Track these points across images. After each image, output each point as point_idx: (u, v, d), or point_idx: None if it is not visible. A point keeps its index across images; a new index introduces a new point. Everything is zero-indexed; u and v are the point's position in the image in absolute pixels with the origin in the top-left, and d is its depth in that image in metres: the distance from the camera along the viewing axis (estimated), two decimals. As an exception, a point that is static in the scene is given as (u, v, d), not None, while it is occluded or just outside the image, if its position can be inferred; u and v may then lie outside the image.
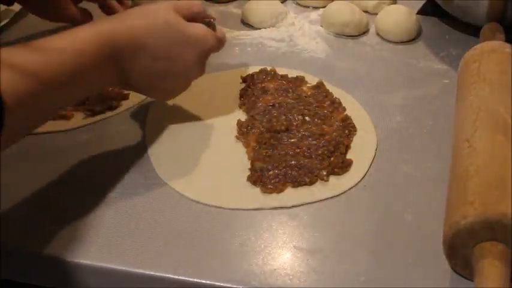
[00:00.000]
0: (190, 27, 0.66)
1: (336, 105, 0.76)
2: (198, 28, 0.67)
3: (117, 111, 0.77)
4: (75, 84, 0.58)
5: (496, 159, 0.56)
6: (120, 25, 0.62)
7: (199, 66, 0.69)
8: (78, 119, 0.75)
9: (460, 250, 0.53)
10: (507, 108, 0.62)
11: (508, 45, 0.74)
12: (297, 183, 0.65)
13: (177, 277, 0.56)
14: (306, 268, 0.57)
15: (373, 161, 0.69)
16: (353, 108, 0.76)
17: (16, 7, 0.97)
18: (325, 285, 0.55)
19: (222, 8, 1.03)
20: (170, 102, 0.78)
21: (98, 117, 0.75)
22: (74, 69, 0.57)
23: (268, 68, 0.82)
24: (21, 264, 0.59)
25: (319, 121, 0.73)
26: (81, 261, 0.58)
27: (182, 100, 0.79)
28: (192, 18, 0.68)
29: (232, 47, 0.91)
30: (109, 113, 0.76)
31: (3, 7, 0.96)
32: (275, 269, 0.56)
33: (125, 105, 0.78)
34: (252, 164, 0.67)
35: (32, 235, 0.60)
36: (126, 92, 0.79)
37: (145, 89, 0.68)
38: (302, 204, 0.63)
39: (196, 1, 0.71)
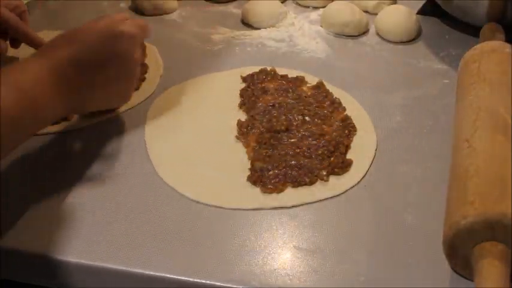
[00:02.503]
0: (114, 26, 0.67)
1: (336, 105, 0.76)
2: (121, 23, 0.68)
3: (117, 112, 0.77)
4: (28, 118, 0.59)
5: (496, 159, 0.56)
6: (59, 54, 0.64)
7: (136, 54, 0.70)
8: (78, 119, 0.75)
9: (460, 250, 0.53)
10: (507, 108, 0.62)
11: (508, 45, 0.74)
12: (297, 183, 0.65)
13: (177, 277, 0.56)
14: (306, 268, 0.57)
15: (373, 161, 0.69)
16: (353, 108, 0.76)
17: (16, 7, 0.97)
18: (325, 285, 0.55)
19: (222, 8, 1.03)
20: (170, 102, 0.79)
21: (98, 118, 0.75)
22: (28, 105, 0.58)
23: (268, 68, 0.82)
24: (21, 264, 0.59)
25: (319, 121, 0.73)
26: (81, 261, 0.58)
27: (182, 100, 0.79)
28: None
29: (232, 47, 0.91)
30: (109, 114, 0.76)
31: (3, 7, 0.96)
32: (275, 269, 0.56)
33: (125, 106, 0.78)
34: (252, 164, 0.67)
35: (32, 235, 0.60)
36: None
37: (104, 101, 0.71)
38: (302, 204, 0.63)
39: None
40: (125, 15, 0.71)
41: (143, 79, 0.82)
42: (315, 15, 0.99)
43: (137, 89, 0.81)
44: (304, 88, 0.80)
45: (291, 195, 0.64)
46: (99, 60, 0.66)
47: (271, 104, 0.75)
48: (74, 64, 0.63)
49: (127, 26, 0.68)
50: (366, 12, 0.98)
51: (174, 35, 0.95)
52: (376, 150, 0.70)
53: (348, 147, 0.70)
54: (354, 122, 0.73)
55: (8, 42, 0.82)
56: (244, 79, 0.82)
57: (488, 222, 0.51)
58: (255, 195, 0.64)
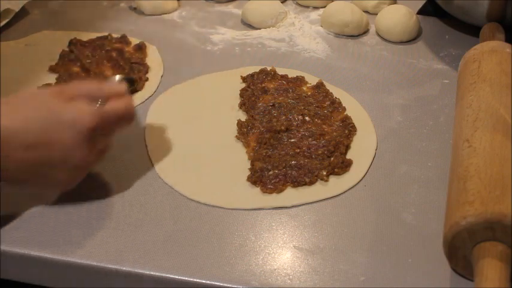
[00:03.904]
0: (66, 109, 0.58)
1: (336, 105, 0.76)
2: (75, 108, 0.58)
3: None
4: None
5: (496, 159, 0.56)
6: None
7: (80, 149, 0.58)
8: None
9: (460, 250, 0.53)
10: (507, 108, 0.62)
11: (508, 45, 0.74)
12: (297, 183, 0.65)
13: (177, 277, 0.56)
14: (306, 268, 0.57)
15: (373, 161, 0.69)
16: (353, 108, 0.76)
17: (16, 7, 0.98)
18: (325, 285, 0.55)
19: (222, 8, 1.03)
20: (170, 102, 0.79)
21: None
22: None
23: (268, 68, 0.82)
24: (21, 264, 0.59)
25: (319, 121, 0.73)
26: (80, 261, 0.58)
27: (182, 100, 0.79)
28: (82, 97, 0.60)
29: (232, 47, 0.91)
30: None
31: (3, 7, 0.96)
32: (275, 269, 0.56)
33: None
34: (252, 164, 0.67)
35: (32, 235, 0.60)
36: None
37: (27, 181, 0.59)
38: (302, 204, 0.63)
39: (88, 83, 0.63)
40: (115, 90, 0.61)
41: (146, 79, 0.83)
42: (315, 15, 0.99)
43: (140, 89, 0.81)
44: (304, 88, 0.80)
45: (291, 195, 0.64)
46: (33, 143, 0.56)
47: (271, 104, 0.75)
48: (6, 138, 0.55)
49: (89, 118, 0.58)
50: (366, 12, 0.98)
51: (174, 35, 0.95)
52: (376, 150, 0.70)
53: (348, 147, 0.70)
54: (354, 122, 0.73)
55: None
56: (244, 79, 0.82)
57: (488, 222, 0.51)
58: (255, 195, 0.64)
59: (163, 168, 0.68)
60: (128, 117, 0.62)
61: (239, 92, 0.79)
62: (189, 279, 0.56)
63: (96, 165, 0.64)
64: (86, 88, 0.61)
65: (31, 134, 0.56)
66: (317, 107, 0.75)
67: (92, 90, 0.61)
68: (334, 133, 0.71)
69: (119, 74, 0.83)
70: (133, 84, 0.79)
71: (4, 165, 0.56)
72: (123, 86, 0.64)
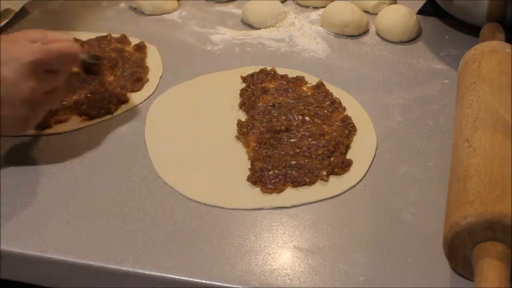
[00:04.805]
0: (9, 48, 0.61)
1: (336, 105, 0.76)
2: (17, 46, 0.62)
3: (116, 113, 0.77)
4: None
5: (496, 159, 0.56)
6: None
7: (24, 82, 0.61)
8: (77, 121, 0.75)
9: (460, 250, 0.53)
10: (507, 108, 0.62)
11: (508, 45, 0.74)
12: (297, 183, 0.65)
13: (177, 277, 0.56)
14: (306, 268, 0.57)
15: (373, 161, 0.69)
16: (353, 108, 0.76)
17: (16, 7, 0.98)
18: (325, 285, 0.55)
19: (222, 8, 1.03)
20: (170, 103, 0.79)
21: (98, 119, 0.75)
22: None
23: (268, 68, 0.82)
24: (21, 264, 0.59)
25: (319, 121, 0.73)
26: (81, 261, 0.58)
27: (182, 100, 0.79)
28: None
29: (232, 47, 0.91)
30: (108, 116, 0.76)
31: (3, 7, 0.96)
32: (275, 269, 0.56)
33: (124, 107, 0.78)
34: (252, 164, 0.67)
35: (32, 235, 0.60)
36: (126, 95, 0.79)
37: None
38: (302, 204, 0.63)
39: (33, 30, 0.65)
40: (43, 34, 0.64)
41: (146, 80, 0.82)
42: (315, 15, 0.99)
43: (139, 89, 0.81)
44: (304, 88, 0.80)
45: (291, 195, 0.64)
46: None
47: (271, 104, 0.75)
48: None
49: (28, 49, 0.61)
50: (366, 12, 0.98)
51: (174, 35, 0.95)
52: (376, 150, 0.70)
53: (348, 147, 0.70)
54: (354, 122, 0.73)
55: None
56: (244, 79, 0.82)
57: (488, 222, 0.51)
58: (255, 195, 0.64)
59: (163, 168, 0.68)
60: (71, 55, 0.65)
61: (239, 92, 0.79)
62: (189, 279, 0.56)
63: (49, 105, 0.66)
64: (31, 33, 0.65)
65: None
66: (317, 107, 0.75)
67: (36, 35, 0.64)
68: (334, 133, 0.71)
69: (119, 73, 0.83)
70: (99, 59, 0.79)
71: None
72: (68, 37, 0.68)
